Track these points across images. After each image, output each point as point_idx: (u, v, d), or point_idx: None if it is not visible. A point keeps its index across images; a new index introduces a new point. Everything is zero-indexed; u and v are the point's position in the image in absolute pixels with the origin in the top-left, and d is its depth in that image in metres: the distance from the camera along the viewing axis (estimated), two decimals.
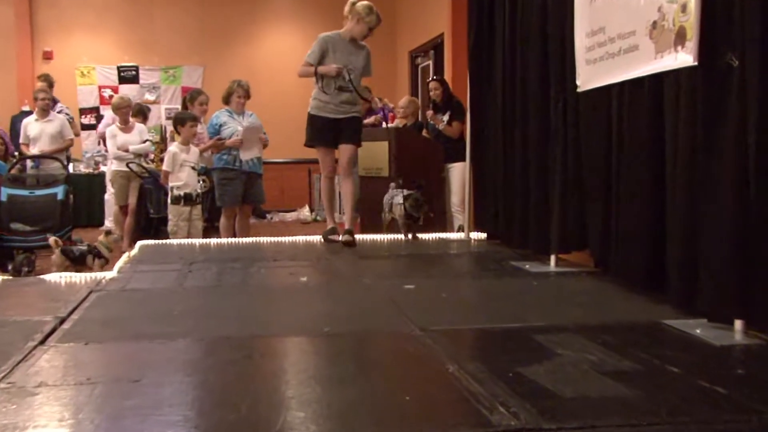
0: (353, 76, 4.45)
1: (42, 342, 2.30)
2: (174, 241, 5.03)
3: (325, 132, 4.54)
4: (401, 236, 4.73)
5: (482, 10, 4.52)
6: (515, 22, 4.03)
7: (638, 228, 2.89)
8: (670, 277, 2.67)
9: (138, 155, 6.60)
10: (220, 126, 5.55)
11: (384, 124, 5.76)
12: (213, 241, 5.11)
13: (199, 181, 5.61)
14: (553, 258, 3.63)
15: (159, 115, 10.12)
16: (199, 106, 6.26)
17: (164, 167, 5.61)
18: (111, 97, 8.73)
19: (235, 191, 5.51)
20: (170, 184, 5.49)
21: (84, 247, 5.07)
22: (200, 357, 2.23)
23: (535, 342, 2.25)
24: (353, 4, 4.47)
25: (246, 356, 2.16)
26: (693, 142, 2.48)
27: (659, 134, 2.73)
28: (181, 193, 5.43)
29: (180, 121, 5.67)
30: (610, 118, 3.11)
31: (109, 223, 7.01)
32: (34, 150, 6.66)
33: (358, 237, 4.66)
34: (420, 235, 4.73)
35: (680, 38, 2.52)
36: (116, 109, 6.76)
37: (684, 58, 2.50)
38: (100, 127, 8.39)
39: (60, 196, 5.91)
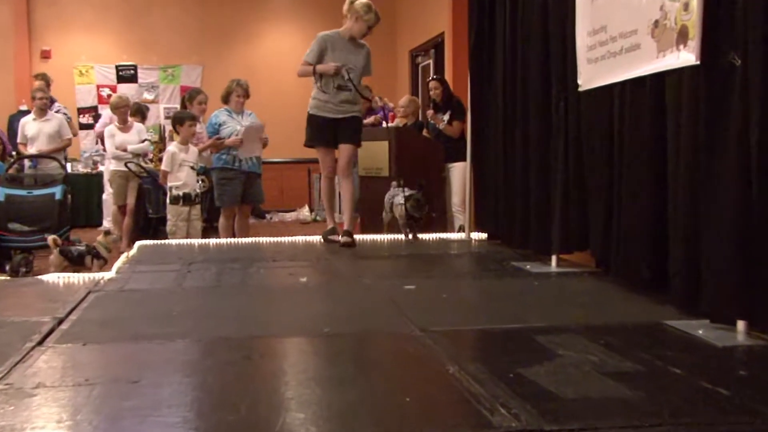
0: (353, 75, 4.44)
1: (40, 343, 2.29)
2: (173, 242, 5.02)
3: (324, 132, 4.52)
4: (401, 236, 4.72)
5: (483, 9, 4.51)
6: (516, 21, 4.03)
7: (640, 228, 2.88)
8: (672, 277, 2.66)
9: (136, 155, 6.59)
10: (220, 125, 5.53)
11: (384, 124, 5.75)
12: (212, 241, 5.10)
13: (198, 181, 5.60)
14: (554, 258, 3.62)
15: (158, 114, 10.11)
16: (198, 106, 6.24)
17: (163, 167, 5.59)
18: (109, 96, 8.73)
19: (234, 191, 5.49)
20: (169, 184, 5.48)
21: (82, 248, 5.06)
22: (199, 358, 2.22)
23: (536, 343, 2.24)
24: (352, 2, 4.45)
25: (245, 357, 2.15)
26: (695, 142, 2.47)
27: (661, 134, 2.72)
28: (180, 193, 5.42)
29: (179, 120, 5.65)
30: (612, 117, 3.10)
31: (107, 224, 7.01)
32: (31, 150, 6.65)
33: (358, 237, 4.65)
34: (420, 236, 4.71)
35: (682, 37, 2.51)
36: (114, 109, 6.74)
37: (686, 57, 2.49)
38: (98, 126, 8.37)
39: (58, 196, 5.90)
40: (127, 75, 10.34)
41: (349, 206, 4.61)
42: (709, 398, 1.75)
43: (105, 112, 8.37)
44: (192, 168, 5.52)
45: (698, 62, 2.43)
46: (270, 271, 3.74)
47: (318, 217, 9.12)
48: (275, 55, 10.21)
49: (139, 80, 10.38)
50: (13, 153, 6.96)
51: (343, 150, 4.56)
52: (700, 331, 2.33)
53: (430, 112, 6.15)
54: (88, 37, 10.27)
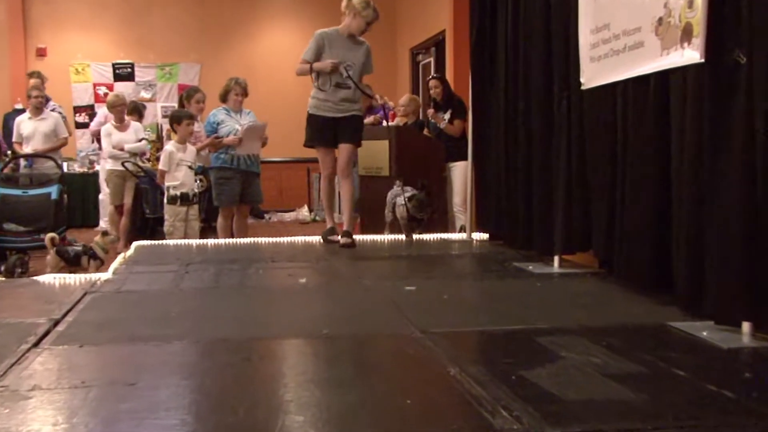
0: (352, 72, 4.41)
1: (35, 344, 2.27)
2: (170, 242, 5.00)
3: (324, 131, 4.49)
4: (402, 237, 4.69)
5: (484, 6, 4.49)
6: (518, 19, 4.01)
7: (643, 228, 2.86)
8: (676, 278, 2.64)
9: (133, 154, 6.56)
10: (218, 124, 5.51)
11: (384, 123, 5.73)
12: (210, 241, 5.09)
13: (196, 181, 5.57)
14: (556, 259, 3.60)
15: (155, 113, 10.08)
16: (196, 104, 6.21)
17: (160, 166, 5.57)
18: (106, 94, 8.69)
19: (233, 191, 5.47)
20: (166, 184, 5.45)
21: (79, 248, 5.03)
22: (197, 359, 2.21)
23: (539, 344, 2.22)
24: None
25: (244, 359, 2.14)
26: (699, 141, 2.45)
27: (665, 132, 2.70)
28: (178, 193, 5.39)
29: (176, 119, 5.63)
30: (615, 116, 3.08)
31: (104, 224, 6.98)
32: (27, 149, 6.61)
33: (358, 237, 4.64)
34: (420, 236, 4.69)
35: (687, 35, 2.49)
36: (111, 107, 6.71)
37: (690, 54, 2.47)
38: (93, 124, 8.36)
39: (54, 196, 5.87)
40: (124, 73, 10.31)
41: (349, 206, 4.59)
42: (713, 401, 1.73)
43: (100, 110, 8.35)
44: (190, 167, 5.49)
45: (703, 60, 2.41)
46: (269, 271, 3.73)
47: (317, 218, 9.10)
48: (274, 54, 10.19)
49: (137, 78, 10.35)
50: (9, 152, 6.92)
51: (343, 150, 4.53)
52: (705, 333, 2.31)
53: (430, 111, 6.13)
54: (85, 35, 10.24)
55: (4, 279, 4.65)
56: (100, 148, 7.52)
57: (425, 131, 6.23)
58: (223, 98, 5.65)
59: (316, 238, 4.74)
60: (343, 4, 4.45)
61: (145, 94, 10.20)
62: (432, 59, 9.28)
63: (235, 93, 5.57)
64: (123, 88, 9.56)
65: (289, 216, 9.60)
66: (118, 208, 6.57)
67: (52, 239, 4.91)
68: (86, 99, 10.23)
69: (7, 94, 9.41)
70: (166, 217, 5.47)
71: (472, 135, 4.71)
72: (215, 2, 10.36)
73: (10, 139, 7.00)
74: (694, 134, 2.47)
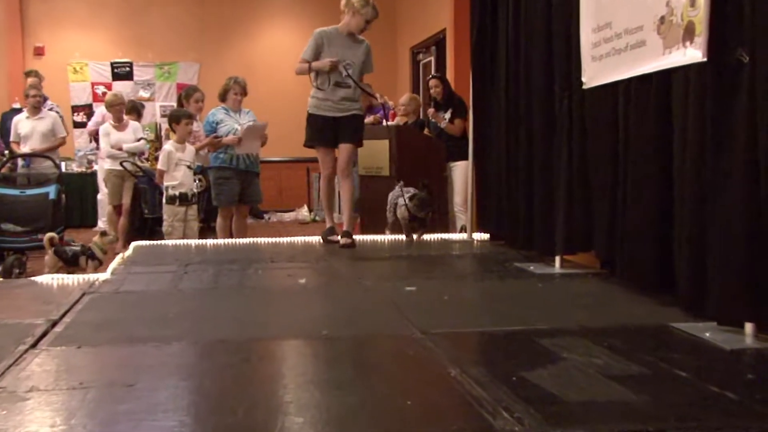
0: (351, 70, 4.39)
1: (33, 345, 2.26)
2: (169, 242, 4.99)
3: (324, 131, 4.48)
4: (402, 237, 4.68)
5: (485, 5, 4.48)
6: (519, 17, 4.00)
7: (645, 228, 2.85)
8: (678, 278, 2.63)
9: (132, 154, 6.54)
10: (217, 124, 5.50)
11: (384, 122, 5.71)
12: (209, 241, 5.08)
13: (194, 181, 5.56)
14: (557, 259, 3.59)
15: (154, 112, 10.07)
16: (195, 104, 6.20)
17: (159, 166, 5.55)
18: (104, 94, 8.68)
19: (232, 191, 5.46)
20: (165, 184, 5.44)
21: (77, 248, 5.01)
22: (196, 360, 2.20)
23: (540, 345, 2.22)
24: None
25: (243, 360, 2.14)
26: (701, 140, 2.44)
27: (667, 132, 2.69)
28: (177, 193, 5.38)
29: (175, 118, 5.62)
30: (617, 115, 3.07)
31: (102, 224, 6.96)
32: (25, 148, 6.59)
33: (358, 237, 4.63)
34: (422, 238, 4.67)
35: (689, 33, 2.48)
36: (109, 107, 6.69)
37: (693, 53, 2.46)
38: (90, 124, 8.33)
39: (52, 196, 5.85)
40: (122, 72, 10.30)
41: (349, 206, 4.58)
42: (716, 402, 1.73)
43: (98, 110, 8.33)
44: (189, 167, 5.48)
45: (705, 59, 2.40)
46: (268, 272, 3.72)
47: (317, 218, 9.09)
48: (273, 53, 10.17)
49: (135, 77, 10.33)
50: (6, 152, 6.90)
51: (343, 149, 4.52)
52: (707, 334, 2.30)
53: (431, 110, 6.12)
54: (83, 34, 10.22)
55: (1, 279, 4.63)
56: (98, 148, 7.50)
57: (426, 131, 6.22)
58: (222, 97, 5.64)
59: (316, 239, 4.73)
60: (342, 2, 4.44)
61: (143, 94, 10.18)
62: (432, 58, 9.27)
63: (234, 92, 5.55)
64: (121, 88, 9.54)
65: (288, 216, 9.60)
66: (117, 208, 6.55)
67: (51, 239, 4.89)
68: (84, 98, 10.22)
69: (4, 94, 9.38)
70: (164, 217, 5.45)
71: (473, 134, 4.70)
72: (214, 1, 10.35)
73: (7, 138, 6.98)
74: (697, 133, 2.46)
